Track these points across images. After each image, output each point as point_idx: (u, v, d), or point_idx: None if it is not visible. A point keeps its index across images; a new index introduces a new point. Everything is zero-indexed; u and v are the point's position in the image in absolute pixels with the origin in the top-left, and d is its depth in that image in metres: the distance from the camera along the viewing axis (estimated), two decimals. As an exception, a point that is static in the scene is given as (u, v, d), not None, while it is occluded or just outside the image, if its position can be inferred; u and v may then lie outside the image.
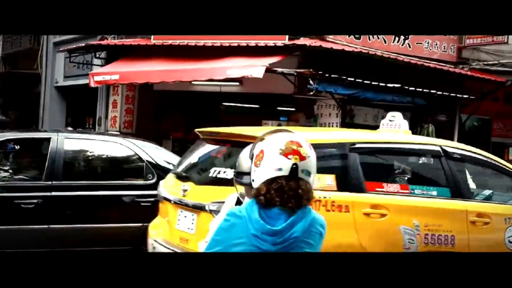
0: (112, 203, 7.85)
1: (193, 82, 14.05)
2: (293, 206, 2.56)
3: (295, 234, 2.51)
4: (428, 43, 15.06)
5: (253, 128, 6.26)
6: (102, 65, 15.33)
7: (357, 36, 13.54)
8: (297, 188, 2.57)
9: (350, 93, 12.94)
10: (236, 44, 12.22)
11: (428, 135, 14.53)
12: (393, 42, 14.39)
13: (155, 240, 6.07)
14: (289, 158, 2.57)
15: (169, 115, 16.02)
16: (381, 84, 12.97)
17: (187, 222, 5.61)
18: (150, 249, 6.10)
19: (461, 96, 14.89)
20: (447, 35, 15.08)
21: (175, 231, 5.81)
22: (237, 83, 14.12)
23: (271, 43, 12.04)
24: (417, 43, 14.82)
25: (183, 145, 15.72)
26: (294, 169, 2.56)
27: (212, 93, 14.96)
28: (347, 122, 13.99)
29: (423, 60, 14.39)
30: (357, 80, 12.64)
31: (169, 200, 6.03)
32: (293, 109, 14.99)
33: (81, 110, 18.42)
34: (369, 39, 13.90)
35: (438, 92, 14.04)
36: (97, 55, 15.63)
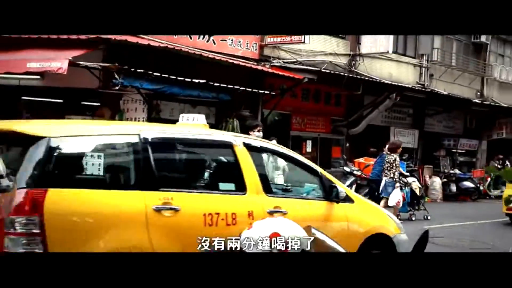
0: None
1: (-12, 75, 13.15)
2: None
3: None
4: (232, 40, 15.52)
5: None
6: None
7: (163, 31, 13.57)
8: None
9: (156, 88, 12.95)
10: (36, 36, 11.64)
11: (233, 129, 15.00)
12: (198, 39, 14.62)
13: None
14: None
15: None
16: (187, 79, 13.13)
17: None
18: None
19: (263, 92, 15.57)
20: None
21: None
22: (38, 77, 13.44)
23: (74, 36, 11.64)
24: (221, 40, 15.21)
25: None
26: None
27: (10, 87, 14.09)
28: (154, 117, 13.98)
29: (227, 57, 14.80)
30: (163, 75, 12.68)
31: None
32: (98, 104, 14.64)
33: None
34: (175, 35, 13.99)
35: (242, 88, 14.54)
36: None
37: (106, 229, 4.71)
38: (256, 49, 16.31)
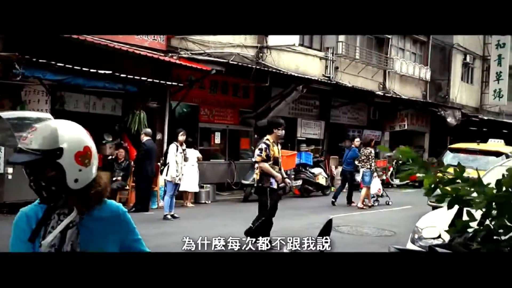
0: None
1: None
2: None
3: None
4: (138, 30, 15.24)
5: None
6: None
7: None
8: None
9: (59, 79, 12.58)
10: None
11: (139, 121, 14.78)
12: (103, 28, 14.28)
13: None
14: None
15: None
16: (92, 70, 12.82)
17: None
18: None
19: (170, 83, 15.43)
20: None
21: None
22: None
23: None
24: (127, 30, 14.91)
25: None
26: None
27: None
28: (58, 109, 13.56)
29: (134, 48, 14.56)
30: (67, 65, 12.32)
31: None
32: (-2, 95, 14.06)
33: None
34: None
35: (149, 80, 14.35)
36: None
37: None
38: (163, 40, 16.13)
